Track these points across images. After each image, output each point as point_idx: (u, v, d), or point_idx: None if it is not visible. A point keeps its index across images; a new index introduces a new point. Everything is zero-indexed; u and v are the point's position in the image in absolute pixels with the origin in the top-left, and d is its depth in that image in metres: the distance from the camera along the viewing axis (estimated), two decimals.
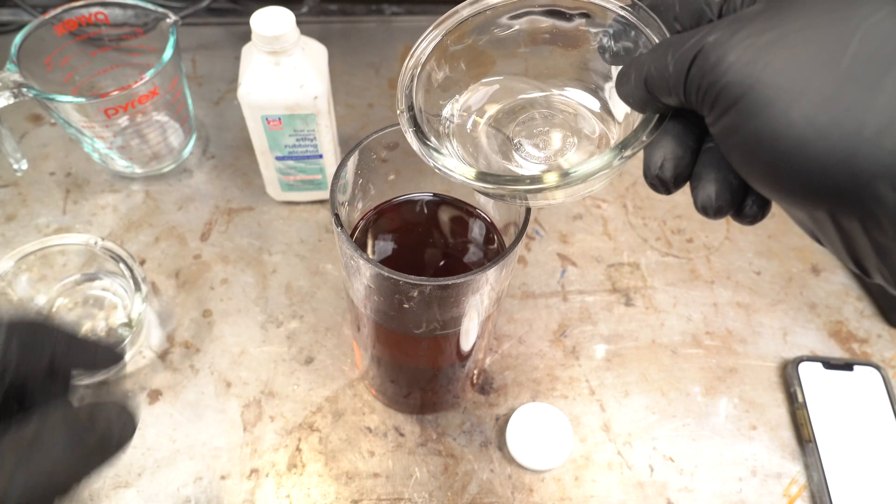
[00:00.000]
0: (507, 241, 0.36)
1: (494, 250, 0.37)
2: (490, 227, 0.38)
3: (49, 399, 0.24)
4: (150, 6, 0.51)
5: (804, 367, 0.48)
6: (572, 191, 0.26)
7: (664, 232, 0.57)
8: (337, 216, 0.30)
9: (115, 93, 0.47)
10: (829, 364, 0.48)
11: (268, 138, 0.49)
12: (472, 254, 0.38)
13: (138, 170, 0.57)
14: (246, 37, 0.46)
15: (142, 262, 0.53)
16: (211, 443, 0.44)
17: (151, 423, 0.45)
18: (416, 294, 0.30)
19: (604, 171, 0.24)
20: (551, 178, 0.24)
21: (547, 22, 0.29)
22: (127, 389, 0.46)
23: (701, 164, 0.23)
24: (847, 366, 0.48)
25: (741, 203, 0.22)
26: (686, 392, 0.48)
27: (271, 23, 0.43)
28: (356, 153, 0.33)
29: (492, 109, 0.31)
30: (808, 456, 0.45)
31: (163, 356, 0.48)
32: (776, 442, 0.46)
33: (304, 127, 0.48)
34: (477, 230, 0.38)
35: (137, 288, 0.45)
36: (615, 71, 0.28)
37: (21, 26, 0.50)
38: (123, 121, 0.53)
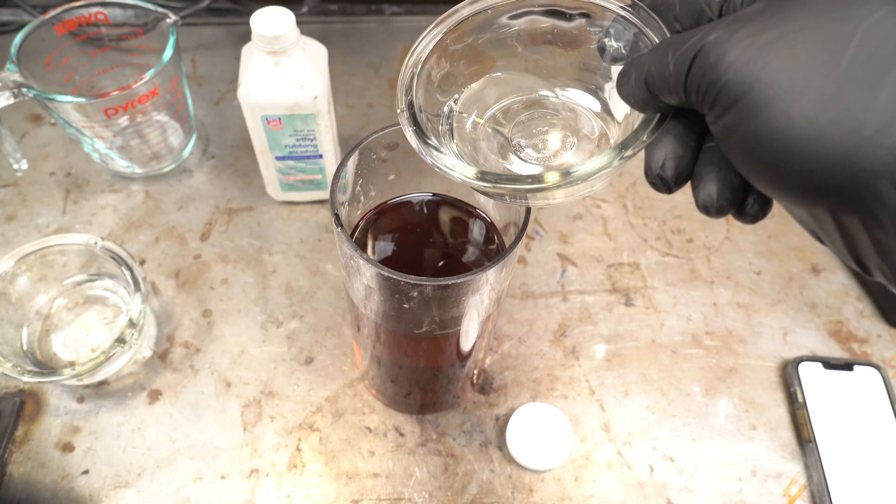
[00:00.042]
0: (507, 241, 0.36)
1: (494, 250, 0.37)
2: (490, 227, 0.38)
3: None
4: (150, 6, 0.51)
5: (804, 367, 0.48)
6: (572, 190, 0.26)
7: (664, 232, 0.57)
8: (337, 216, 0.30)
9: (115, 93, 0.47)
10: (829, 364, 0.48)
11: (268, 138, 0.49)
12: (472, 254, 0.38)
13: (138, 170, 0.57)
14: (246, 37, 0.46)
15: (142, 262, 0.53)
16: (211, 443, 0.44)
17: (151, 423, 0.45)
18: (416, 294, 0.30)
19: (604, 171, 0.24)
20: (552, 178, 0.24)
21: (547, 22, 0.29)
22: (127, 389, 0.46)
23: (702, 164, 0.23)
24: (847, 366, 0.48)
25: (742, 202, 0.23)
26: (686, 392, 0.48)
27: (271, 23, 0.43)
28: (356, 153, 0.33)
29: (492, 108, 0.31)
30: (808, 456, 0.45)
31: (163, 356, 0.48)
32: (776, 442, 0.46)
33: (304, 127, 0.48)
34: (477, 230, 0.38)
35: (137, 288, 0.45)
36: (615, 71, 0.28)
37: (21, 26, 0.50)
38: (123, 121, 0.53)
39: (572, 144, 0.29)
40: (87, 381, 0.46)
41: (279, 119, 0.47)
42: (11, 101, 0.46)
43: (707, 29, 0.20)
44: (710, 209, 0.22)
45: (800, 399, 0.46)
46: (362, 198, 0.36)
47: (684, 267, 0.55)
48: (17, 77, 0.46)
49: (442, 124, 0.30)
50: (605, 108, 0.29)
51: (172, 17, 0.51)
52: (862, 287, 0.54)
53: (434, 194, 0.38)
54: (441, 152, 0.27)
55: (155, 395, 0.46)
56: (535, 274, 0.53)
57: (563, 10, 0.28)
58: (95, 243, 0.47)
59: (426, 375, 0.41)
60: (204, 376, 0.47)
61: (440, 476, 0.44)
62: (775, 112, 0.18)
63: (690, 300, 0.53)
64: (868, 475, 0.43)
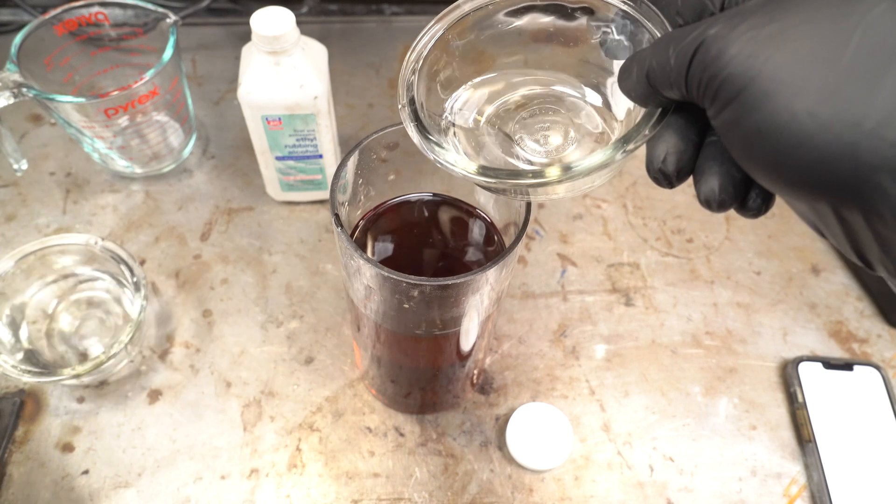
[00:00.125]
0: (507, 241, 0.36)
1: (494, 250, 0.37)
2: (490, 227, 0.38)
3: None
4: (150, 6, 0.51)
5: (804, 367, 0.48)
6: (574, 185, 0.26)
7: (664, 232, 0.57)
8: (337, 216, 0.30)
9: (115, 93, 0.47)
10: (829, 364, 0.48)
11: (268, 138, 0.49)
12: (472, 254, 0.38)
13: (138, 170, 0.57)
14: (246, 37, 0.46)
15: (142, 262, 0.53)
16: (211, 443, 0.44)
17: (151, 423, 0.45)
18: (416, 294, 0.30)
19: (606, 166, 0.24)
20: (553, 173, 0.24)
21: (548, 17, 0.29)
22: (127, 389, 0.46)
23: (704, 158, 0.23)
24: (847, 366, 0.48)
25: (745, 196, 0.23)
26: (686, 392, 0.48)
27: (271, 23, 0.43)
28: (356, 153, 0.33)
29: (493, 105, 0.31)
30: (808, 456, 0.45)
31: (163, 356, 0.48)
32: (776, 442, 0.46)
33: (304, 127, 0.48)
34: (477, 230, 0.38)
35: (137, 288, 0.45)
36: (617, 66, 0.28)
37: (21, 26, 0.50)
38: (123, 121, 0.53)
39: (574, 140, 0.29)
40: (87, 381, 0.46)
41: (279, 119, 0.47)
42: (11, 101, 0.46)
43: (708, 23, 0.20)
44: (712, 204, 0.22)
45: (800, 399, 0.46)
46: (362, 198, 0.36)
47: (684, 267, 0.55)
48: (17, 77, 0.46)
49: (444, 120, 0.30)
50: (607, 103, 0.29)
51: (172, 17, 0.51)
52: (862, 287, 0.54)
53: (434, 194, 0.38)
54: (443, 148, 0.27)
55: (155, 395, 0.46)
56: (535, 274, 0.53)
57: (564, 4, 0.28)
58: (95, 243, 0.47)
59: (426, 375, 0.41)
60: (204, 376, 0.47)
61: (440, 476, 0.44)
62: (776, 106, 0.18)
63: (690, 300, 0.53)
64: (868, 475, 0.43)
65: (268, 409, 0.46)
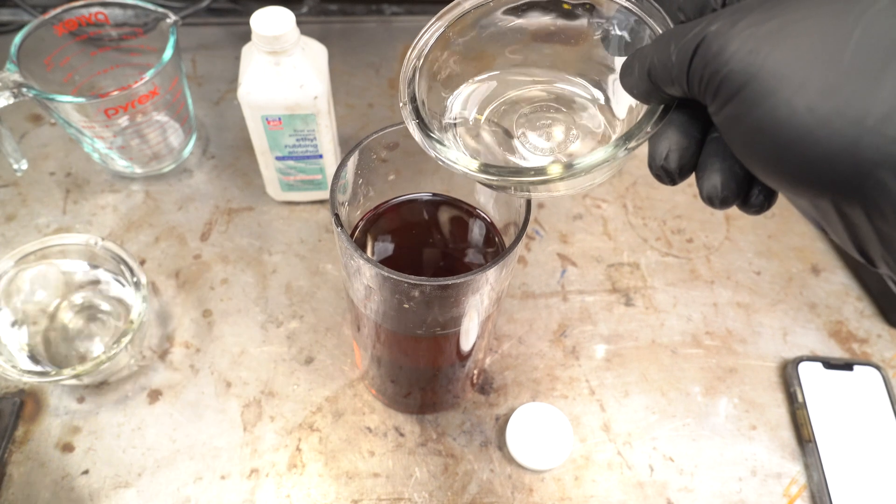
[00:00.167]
0: (507, 241, 0.36)
1: (494, 250, 0.37)
2: (490, 227, 0.38)
3: None
4: (150, 6, 0.51)
5: (804, 367, 0.48)
6: (576, 182, 0.26)
7: (664, 232, 0.57)
8: (337, 216, 0.30)
9: (115, 93, 0.47)
10: (829, 364, 0.48)
11: (268, 138, 0.49)
12: (472, 254, 0.38)
13: (138, 170, 0.57)
14: (246, 37, 0.46)
15: (142, 262, 0.53)
16: (211, 443, 0.44)
17: (151, 423, 0.45)
18: (416, 294, 0.30)
19: (608, 163, 0.24)
20: (555, 171, 0.24)
21: (549, 14, 0.29)
22: (127, 389, 0.46)
23: (706, 154, 0.23)
24: (847, 366, 0.48)
25: (747, 193, 0.22)
26: (686, 392, 0.48)
27: (271, 23, 0.43)
28: (356, 153, 0.33)
29: (495, 102, 0.31)
30: (808, 456, 0.45)
31: (163, 356, 0.48)
32: (776, 442, 0.46)
33: (304, 127, 0.48)
34: (477, 230, 0.38)
35: (137, 288, 0.45)
36: (619, 62, 0.28)
37: (21, 26, 0.50)
38: (123, 121, 0.53)
39: (576, 136, 0.29)
40: (87, 381, 0.46)
41: (279, 119, 0.47)
42: (11, 101, 0.46)
43: (710, 19, 0.20)
44: (715, 200, 0.22)
45: (800, 399, 0.46)
46: (362, 198, 0.36)
47: (684, 267, 0.55)
48: (17, 77, 0.46)
49: (445, 118, 0.30)
50: (609, 100, 0.29)
51: (172, 17, 0.51)
52: (862, 287, 0.54)
53: (434, 194, 0.38)
54: (444, 145, 0.27)
55: (155, 395, 0.46)
56: (535, 274, 0.53)
57: (565, 1, 0.28)
58: (95, 243, 0.47)
59: (426, 375, 0.41)
60: (204, 376, 0.47)
61: (440, 476, 0.44)
62: (777, 102, 0.18)
63: (690, 300, 0.53)
64: (868, 475, 0.43)
65: (268, 409, 0.46)
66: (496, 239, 0.37)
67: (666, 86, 0.22)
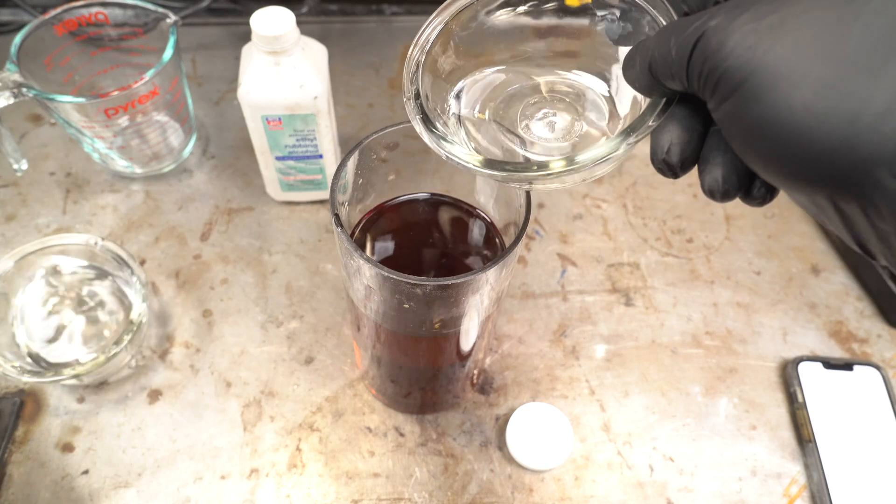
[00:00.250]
0: (507, 241, 0.36)
1: (494, 250, 0.37)
2: (490, 227, 0.38)
3: None
4: (150, 6, 0.51)
5: (804, 367, 0.48)
6: (580, 176, 0.26)
7: (664, 232, 0.57)
8: (337, 216, 0.30)
9: (115, 93, 0.47)
10: (829, 364, 0.48)
11: (268, 138, 0.49)
12: (472, 254, 0.38)
13: (138, 170, 0.57)
14: (246, 37, 0.46)
15: (142, 262, 0.53)
16: (211, 443, 0.44)
17: (151, 423, 0.45)
18: (416, 294, 0.30)
19: (611, 157, 0.24)
20: (557, 166, 0.24)
21: (553, 5, 0.29)
22: (127, 389, 0.46)
23: (708, 148, 0.23)
24: (847, 366, 0.48)
25: (749, 186, 0.22)
26: (686, 392, 0.48)
27: (271, 23, 0.43)
28: (356, 153, 0.33)
29: (499, 94, 0.31)
30: (808, 456, 0.45)
31: (163, 356, 0.48)
32: (776, 442, 0.46)
33: (304, 127, 0.48)
34: (477, 230, 0.38)
35: (137, 288, 0.45)
36: (622, 53, 0.27)
37: (21, 26, 0.50)
38: (123, 121, 0.53)
39: (581, 128, 0.29)
40: (87, 381, 0.46)
41: (279, 119, 0.47)
42: (11, 101, 0.46)
43: (710, 13, 0.20)
44: (716, 194, 0.22)
45: (800, 399, 0.46)
46: (362, 198, 0.36)
47: (684, 267, 0.55)
48: (17, 77, 0.46)
49: (449, 112, 0.30)
50: (614, 91, 0.29)
51: (172, 17, 0.51)
52: (862, 287, 0.54)
53: (434, 194, 0.38)
54: (448, 141, 0.27)
55: (155, 395, 0.46)
56: (535, 274, 0.53)
57: None
58: (95, 243, 0.47)
59: (426, 375, 0.41)
60: (204, 376, 0.47)
61: (440, 476, 0.44)
62: (775, 99, 0.18)
63: (690, 300, 0.53)
64: (868, 475, 0.43)
65: (268, 409, 0.46)
66: (496, 239, 0.37)
67: (666, 80, 0.22)
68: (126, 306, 0.49)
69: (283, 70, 0.45)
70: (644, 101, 0.25)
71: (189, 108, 0.57)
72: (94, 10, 0.51)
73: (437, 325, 0.34)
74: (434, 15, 0.29)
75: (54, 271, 0.49)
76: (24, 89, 0.46)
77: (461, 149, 0.26)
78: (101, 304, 0.49)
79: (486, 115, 0.30)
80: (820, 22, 0.18)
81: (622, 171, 0.60)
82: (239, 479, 0.43)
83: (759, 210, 0.58)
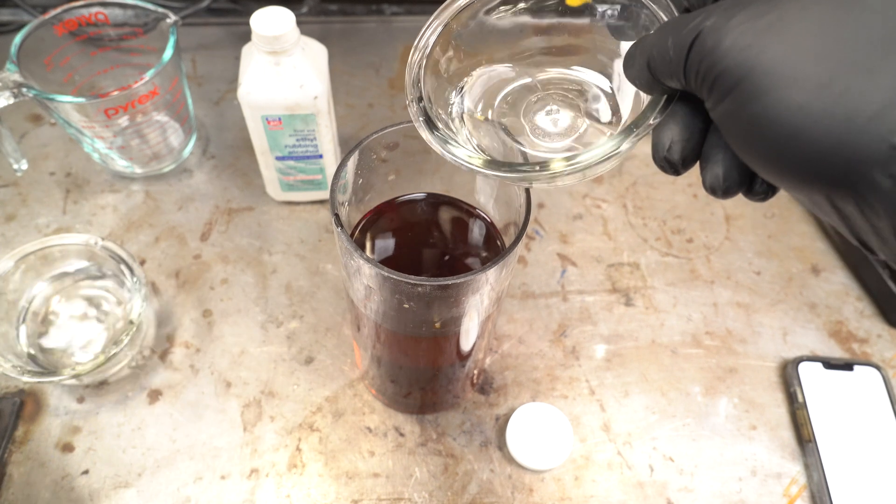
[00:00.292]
0: (507, 241, 0.36)
1: (494, 250, 0.37)
2: (490, 227, 0.38)
3: None
4: (150, 6, 0.51)
5: (804, 367, 0.48)
6: (582, 174, 0.26)
7: (664, 232, 0.57)
8: (337, 216, 0.30)
9: (115, 93, 0.47)
10: (829, 364, 0.48)
11: (268, 138, 0.49)
12: (472, 254, 0.38)
13: (138, 170, 0.57)
14: (246, 37, 0.46)
15: (142, 262, 0.53)
16: (211, 443, 0.44)
17: (151, 423, 0.45)
18: (416, 294, 0.30)
19: (612, 155, 0.24)
20: (559, 166, 0.24)
21: (553, 2, 0.29)
22: (127, 389, 0.46)
23: (709, 145, 0.23)
24: (847, 366, 0.48)
25: (751, 182, 0.22)
26: (686, 392, 0.48)
27: (271, 23, 0.43)
28: (356, 153, 0.33)
29: (501, 93, 0.31)
30: (808, 456, 0.45)
31: (163, 356, 0.48)
32: (776, 442, 0.46)
33: (304, 127, 0.48)
34: (477, 230, 0.38)
35: (137, 288, 0.45)
36: (624, 48, 0.27)
37: (21, 26, 0.50)
38: (123, 121, 0.53)
39: (584, 123, 0.29)
40: (87, 381, 0.46)
41: (279, 119, 0.47)
42: (11, 101, 0.46)
43: (707, 12, 0.20)
44: (717, 191, 0.22)
45: (800, 399, 0.46)
46: (362, 198, 0.36)
47: (684, 267, 0.55)
48: (17, 77, 0.46)
49: (452, 112, 0.30)
50: (616, 87, 0.29)
51: (172, 17, 0.51)
52: (862, 287, 0.54)
53: (434, 194, 0.38)
54: (450, 142, 0.27)
55: (155, 395, 0.46)
56: (535, 274, 0.53)
57: None
58: (95, 243, 0.47)
59: (426, 375, 0.41)
60: (204, 376, 0.47)
61: (440, 476, 0.44)
62: (771, 100, 0.18)
63: (690, 300, 0.53)
64: (868, 475, 0.43)
65: (268, 409, 0.46)
66: (496, 239, 0.37)
67: (665, 79, 0.22)
68: (126, 306, 0.49)
69: (283, 70, 0.45)
70: (646, 97, 0.25)
71: (189, 108, 0.57)
72: (94, 10, 0.51)
73: (437, 325, 0.34)
74: (433, 17, 0.29)
75: (54, 271, 0.49)
76: (24, 89, 0.46)
77: (464, 150, 0.26)
78: (100, 304, 0.49)
79: (489, 114, 0.30)
80: (815, 21, 0.18)
81: (622, 171, 0.60)
82: (239, 479, 0.43)
83: (759, 210, 0.58)
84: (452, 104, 0.30)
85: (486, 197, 0.37)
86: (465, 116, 0.30)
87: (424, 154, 0.35)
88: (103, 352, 0.43)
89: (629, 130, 0.24)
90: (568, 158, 0.24)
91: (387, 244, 0.38)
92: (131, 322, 0.44)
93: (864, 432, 0.45)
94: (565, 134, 0.29)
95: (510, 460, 0.44)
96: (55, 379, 0.42)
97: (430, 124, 0.27)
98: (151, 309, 0.50)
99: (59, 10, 0.50)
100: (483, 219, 0.38)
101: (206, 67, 0.67)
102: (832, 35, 0.18)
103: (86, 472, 0.43)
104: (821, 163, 0.18)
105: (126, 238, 0.54)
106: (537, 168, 0.25)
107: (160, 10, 0.51)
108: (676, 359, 0.50)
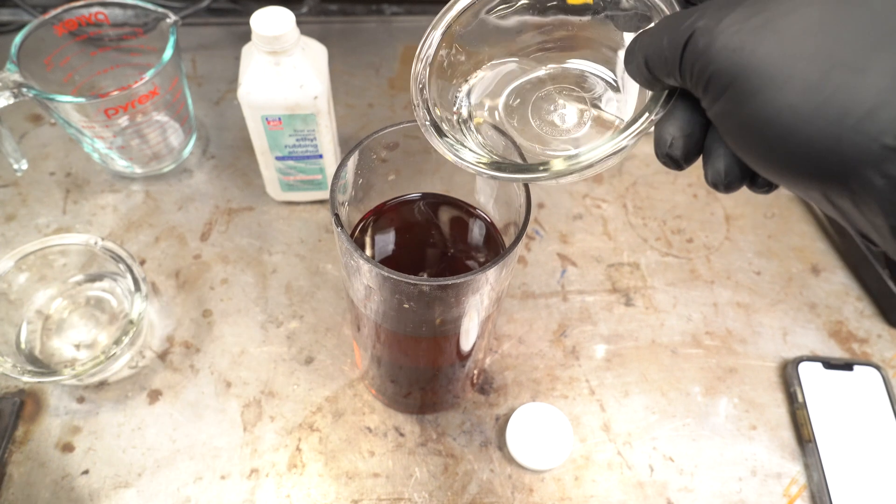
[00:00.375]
0: (507, 241, 0.36)
1: (494, 250, 0.37)
2: (490, 227, 0.38)
3: None
4: (150, 6, 0.51)
5: (804, 367, 0.48)
6: (585, 173, 0.26)
7: (664, 232, 0.57)
8: (337, 216, 0.30)
9: (115, 93, 0.47)
10: (829, 364, 0.48)
11: (268, 138, 0.49)
12: (472, 254, 0.38)
13: (138, 170, 0.57)
14: (246, 37, 0.46)
15: (142, 262, 0.53)
16: (211, 443, 0.44)
17: (151, 423, 0.45)
18: (415, 294, 0.30)
19: (615, 153, 0.24)
20: (561, 166, 0.24)
21: (554, 1, 0.29)
22: (127, 389, 0.46)
23: (710, 140, 0.23)
24: (847, 366, 0.48)
25: (753, 175, 0.22)
26: (686, 392, 0.48)
27: (271, 23, 0.43)
28: (356, 153, 0.33)
29: (506, 91, 0.31)
30: (808, 456, 0.45)
31: (163, 356, 0.48)
32: (776, 442, 0.46)
33: (304, 127, 0.48)
34: (477, 230, 0.38)
35: (137, 288, 0.45)
36: (628, 39, 0.27)
37: (21, 26, 0.50)
38: (123, 121, 0.53)
39: (589, 118, 0.29)
40: (87, 381, 0.46)
41: (279, 119, 0.47)
42: (11, 101, 0.46)
43: (700, 11, 0.20)
44: (719, 185, 0.22)
45: (800, 399, 0.46)
46: (362, 198, 0.36)
47: (684, 267, 0.55)
48: (17, 77, 0.46)
49: (457, 113, 0.30)
50: (619, 79, 0.29)
51: (172, 17, 0.51)
52: (862, 287, 0.54)
53: (434, 194, 0.38)
54: (455, 145, 0.27)
55: (155, 395, 0.46)
56: (535, 274, 0.53)
57: None
58: (95, 243, 0.47)
59: (426, 375, 0.41)
60: (204, 376, 0.47)
61: (440, 476, 0.44)
62: (762, 101, 0.18)
63: (690, 300, 0.53)
64: (868, 475, 0.43)
65: (268, 409, 0.46)
66: (496, 239, 0.37)
67: (663, 77, 0.22)
68: (126, 306, 0.49)
69: (283, 70, 0.45)
70: (648, 92, 0.25)
71: (189, 108, 0.57)
72: (94, 10, 0.51)
73: (437, 325, 0.34)
74: (439, 15, 0.29)
75: (54, 271, 0.49)
76: (24, 89, 0.46)
77: (470, 153, 0.26)
78: (100, 304, 0.49)
79: (495, 113, 0.30)
80: (806, 21, 0.18)
81: (622, 171, 0.60)
82: (239, 479, 0.43)
83: (759, 210, 0.58)
84: (458, 104, 0.30)
85: (486, 197, 0.37)
86: (471, 117, 0.30)
87: (424, 154, 0.35)
88: (103, 352, 0.43)
89: (631, 127, 0.24)
90: (569, 157, 0.24)
91: (387, 244, 0.38)
92: (131, 322, 0.44)
93: (864, 432, 0.45)
94: (573, 128, 0.29)
95: (510, 460, 0.44)
96: (55, 379, 0.42)
97: (437, 129, 0.27)
98: (151, 309, 0.50)
99: (59, 10, 0.50)
100: (483, 219, 0.38)
101: (206, 67, 0.67)
102: (822, 35, 0.18)
103: (86, 472, 0.43)
104: (815, 161, 0.18)
105: (126, 238, 0.54)
106: (540, 168, 0.25)
107: (160, 10, 0.51)
108: (676, 359, 0.50)
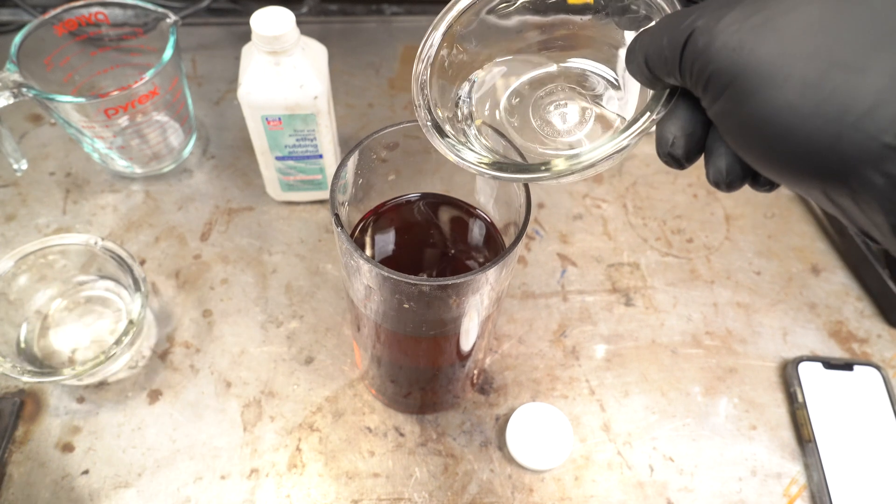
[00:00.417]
0: (507, 241, 0.36)
1: (494, 250, 0.37)
2: (490, 227, 0.38)
3: None
4: (150, 6, 0.51)
5: (804, 367, 0.48)
6: (587, 172, 0.26)
7: (664, 232, 0.57)
8: (337, 216, 0.30)
9: (115, 93, 0.47)
10: (829, 364, 0.48)
11: (268, 138, 0.49)
12: (472, 254, 0.38)
13: (138, 170, 0.57)
14: (246, 37, 0.46)
15: (142, 262, 0.53)
16: (211, 443, 0.44)
17: (151, 423, 0.45)
18: (415, 294, 0.30)
19: (616, 152, 0.24)
20: (562, 166, 0.24)
21: (554, 1, 0.29)
22: (127, 389, 0.46)
23: (712, 139, 0.23)
24: (847, 366, 0.48)
25: (755, 173, 0.22)
26: (686, 392, 0.48)
27: (271, 23, 0.43)
28: (356, 153, 0.33)
29: (507, 90, 0.31)
30: (808, 456, 0.45)
31: (163, 356, 0.48)
32: (776, 442, 0.46)
33: (304, 127, 0.48)
34: (477, 230, 0.38)
35: (137, 288, 0.45)
36: (629, 37, 0.27)
37: (21, 26, 0.50)
38: (123, 121, 0.53)
39: (591, 116, 0.29)
40: (87, 381, 0.46)
41: (279, 119, 0.47)
42: (11, 101, 0.46)
43: (700, 11, 0.20)
44: (721, 184, 0.22)
45: (800, 399, 0.46)
46: (362, 198, 0.36)
47: (684, 267, 0.55)
48: (17, 77, 0.46)
49: (459, 114, 0.30)
50: (620, 78, 0.29)
51: (172, 17, 0.51)
52: (862, 287, 0.54)
53: (434, 194, 0.38)
54: (456, 145, 0.27)
55: (155, 395, 0.46)
56: (535, 274, 0.53)
57: None
58: (95, 243, 0.47)
59: (426, 375, 0.41)
60: (204, 376, 0.47)
61: (440, 476, 0.44)
62: (761, 101, 0.18)
63: (690, 300, 0.53)
64: (868, 475, 0.43)
65: (268, 409, 0.46)
66: (496, 239, 0.37)
67: (664, 76, 0.22)
68: (126, 306, 0.49)
69: (283, 70, 0.45)
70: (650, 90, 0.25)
71: (189, 108, 0.57)
72: (94, 10, 0.51)
73: (437, 325, 0.34)
74: (440, 15, 0.29)
75: (54, 271, 0.49)
76: (24, 89, 0.46)
77: (472, 154, 0.26)
78: (100, 304, 0.49)
79: (497, 112, 0.30)
80: (804, 20, 0.18)
81: (622, 171, 0.60)
82: (239, 479, 0.43)
83: (759, 210, 0.58)
84: (459, 105, 0.30)
85: (486, 197, 0.37)
86: (472, 117, 0.30)
87: (424, 154, 0.35)
88: (103, 352, 0.43)
89: (632, 126, 0.24)
90: (571, 157, 0.24)
91: (387, 244, 0.38)
92: (131, 322, 0.44)
93: (864, 432, 0.45)
94: (575, 127, 0.29)
95: (510, 460, 0.44)
96: (55, 379, 0.42)
97: (439, 129, 0.27)
98: (151, 309, 0.50)
99: (59, 10, 0.50)
100: (483, 219, 0.38)
101: (206, 67, 0.67)
102: (822, 34, 0.18)
103: (86, 472, 0.43)
104: (815, 160, 0.18)
105: (126, 238, 0.54)
106: (542, 168, 0.25)
107: (160, 10, 0.51)
108: (676, 359, 0.50)
